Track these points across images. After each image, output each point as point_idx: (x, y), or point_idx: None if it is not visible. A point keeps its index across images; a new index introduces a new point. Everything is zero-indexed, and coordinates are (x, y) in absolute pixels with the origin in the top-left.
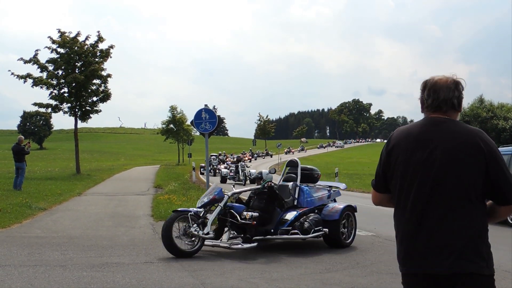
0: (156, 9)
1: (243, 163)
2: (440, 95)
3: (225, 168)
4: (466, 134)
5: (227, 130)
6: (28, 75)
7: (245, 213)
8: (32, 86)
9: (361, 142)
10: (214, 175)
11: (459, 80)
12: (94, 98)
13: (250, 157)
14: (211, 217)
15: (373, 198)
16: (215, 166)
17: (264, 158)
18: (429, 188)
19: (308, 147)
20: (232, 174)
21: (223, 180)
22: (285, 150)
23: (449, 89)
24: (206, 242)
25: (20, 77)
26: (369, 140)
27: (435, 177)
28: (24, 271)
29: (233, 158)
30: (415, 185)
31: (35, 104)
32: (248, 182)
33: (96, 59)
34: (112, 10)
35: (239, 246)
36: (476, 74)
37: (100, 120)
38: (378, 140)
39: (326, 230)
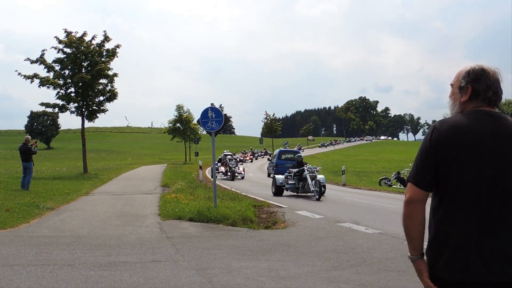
0: (162, 7)
1: (311, 168)
2: (498, 89)
3: (248, 167)
4: None
5: (233, 128)
6: (35, 75)
7: None
8: (39, 86)
9: (366, 140)
10: (232, 179)
11: None
12: (101, 98)
13: (251, 156)
14: None
15: (413, 195)
16: (232, 168)
17: (263, 157)
18: (501, 192)
19: (312, 145)
20: (293, 182)
21: (278, 191)
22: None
23: (500, 82)
24: None
25: (27, 77)
26: (373, 138)
27: (509, 179)
28: (32, 271)
29: (236, 157)
30: (483, 189)
31: (42, 104)
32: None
33: (103, 59)
34: (117, 9)
35: None
36: None
37: (107, 119)
38: (383, 137)
39: None
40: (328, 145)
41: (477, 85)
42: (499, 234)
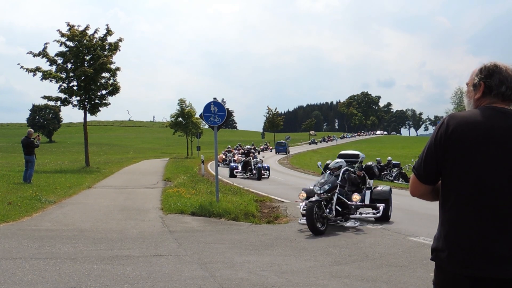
0: (164, 1)
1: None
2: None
3: None
4: None
5: (236, 123)
6: (37, 69)
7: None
8: (41, 79)
9: (363, 135)
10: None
11: None
12: (103, 91)
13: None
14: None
15: (414, 188)
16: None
17: (259, 153)
18: (505, 188)
19: (305, 142)
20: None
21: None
22: (262, 147)
23: None
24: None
25: (29, 70)
26: (372, 133)
27: None
28: (35, 264)
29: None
30: (489, 184)
31: (44, 97)
32: None
33: (105, 53)
34: (119, 2)
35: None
36: None
37: (109, 113)
38: (379, 132)
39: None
40: (320, 141)
41: (489, 80)
42: (503, 231)
